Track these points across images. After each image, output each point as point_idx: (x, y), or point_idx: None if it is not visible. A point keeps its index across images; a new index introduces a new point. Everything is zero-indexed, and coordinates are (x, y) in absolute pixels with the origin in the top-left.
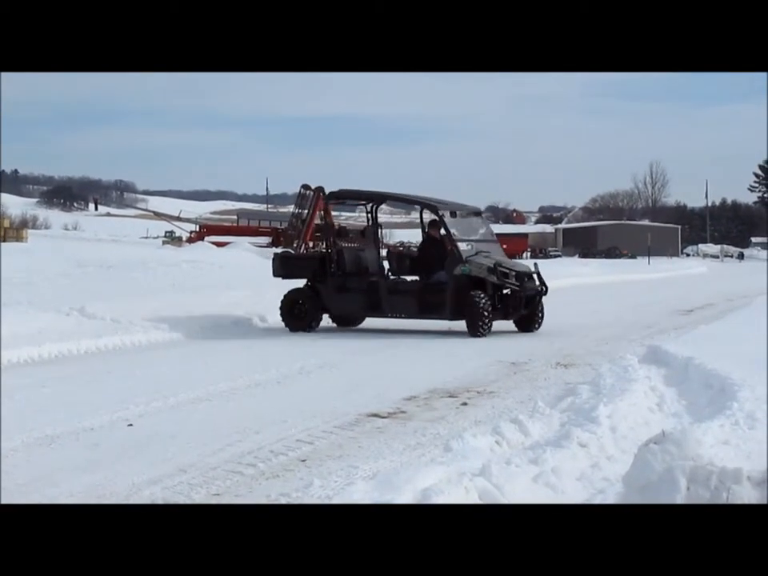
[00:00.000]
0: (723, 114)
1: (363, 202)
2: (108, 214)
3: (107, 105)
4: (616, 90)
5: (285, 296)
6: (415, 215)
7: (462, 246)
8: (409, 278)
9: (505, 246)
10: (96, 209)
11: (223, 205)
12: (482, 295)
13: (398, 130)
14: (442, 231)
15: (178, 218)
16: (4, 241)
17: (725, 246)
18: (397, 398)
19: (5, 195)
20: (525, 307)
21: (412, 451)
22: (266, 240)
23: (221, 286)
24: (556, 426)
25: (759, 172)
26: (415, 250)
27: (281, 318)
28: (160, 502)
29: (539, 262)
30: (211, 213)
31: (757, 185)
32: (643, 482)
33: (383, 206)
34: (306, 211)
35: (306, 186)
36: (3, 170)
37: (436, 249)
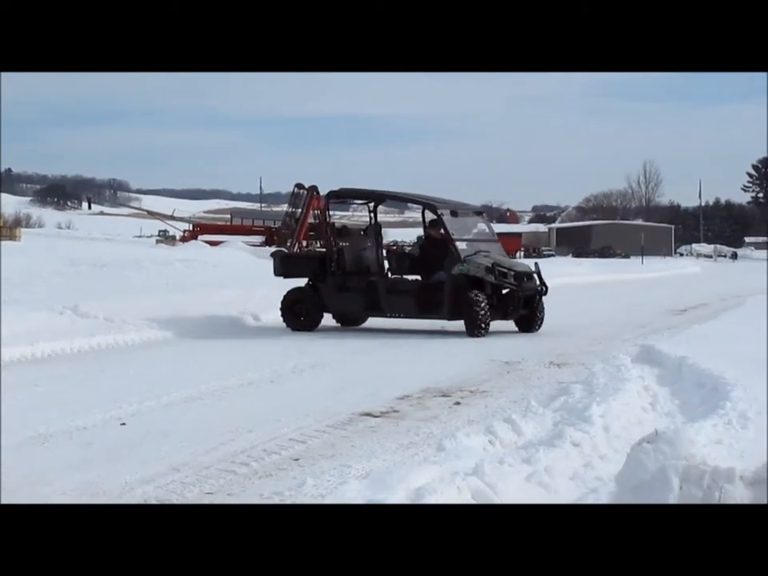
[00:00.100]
0: (717, 115)
1: (364, 201)
2: (101, 213)
3: (102, 104)
4: (611, 89)
5: (285, 295)
6: (409, 214)
7: (460, 245)
8: (408, 278)
9: None
10: (89, 207)
11: (217, 204)
12: (480, 295)
13: (397, 129)
14: (442, 231)
15: (172, 217)
16: None
17: (718, 245)
18: (390, 398)
19: None
20: (524, 307)
21: (405, 450)
22: (259, 239)
23: (214, 284)
24: (549, 426)
25: (752, 172)
26: (409, 249)
27: (281, 318)
28: (153, 500)
29: (529, 261)
30: (205, 212)
31: (750, 185)
32: (636, 481)
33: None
34: (300, 210)
35: (299, 185)
36: None
37: (436, 248)
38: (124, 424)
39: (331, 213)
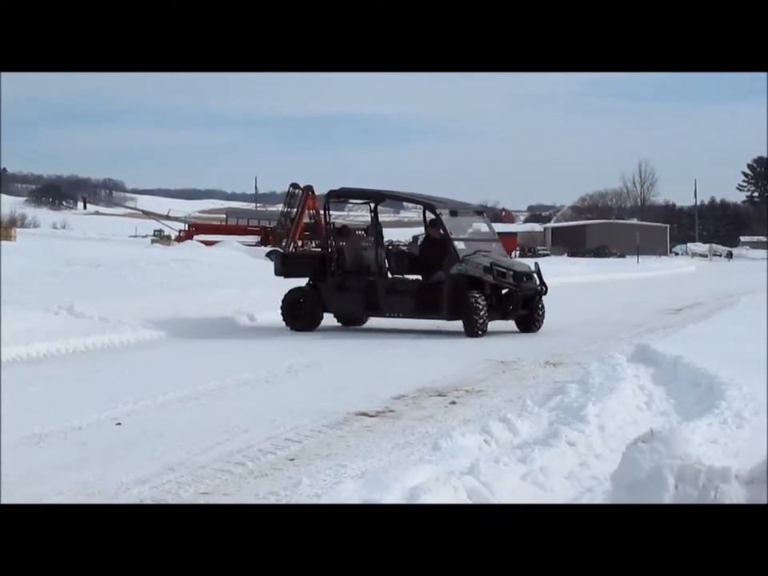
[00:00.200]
0: (712, 114)
1: (364, 201)
2: (97, 213)
3: (97, 104)
4: (606, 89)
5: (285, 295)
6: (404, 214)
7: (459, 245)
8: (407, 278)
9: None
10: (85, 207)
11: (212, 204)
12: (478, 295)
13: (395, 129)
14: (441, 231)
15: (167, 217)
16: None
17: (713, 245)
18: (385, 397)
19: None
20: (524, 307)
21: (400, 450)
22: (254, 239)
23: (210, 284)
24: (544, 425)
25: (748, 171)
26: (406, 248)
27: (282, 318)
28: (148, 500)
29: (527, 260)
30: (200, 212)
31: (745, 184)
32: (631, 480)
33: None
34: (295, 210)
35: (294, 185)
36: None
37: (435, 248)
38: (119, 424)
39: (319, 211)
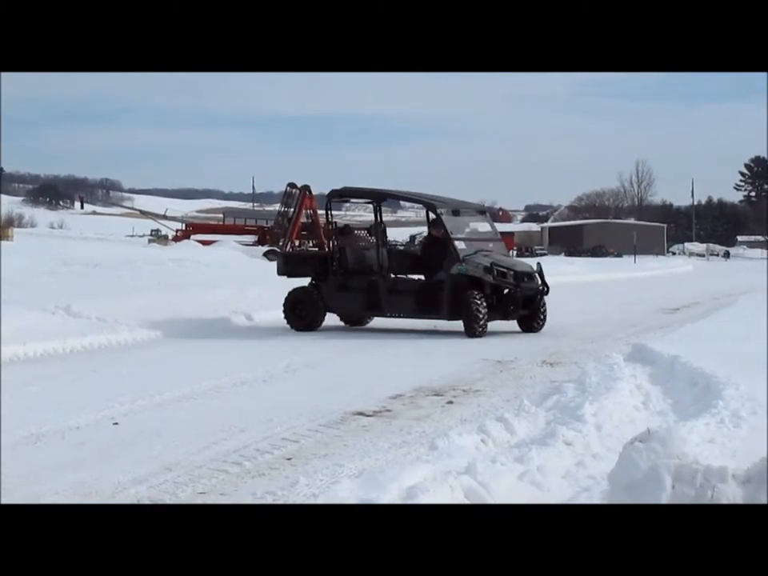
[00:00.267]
0: (709, 114)
1: (366, 200)
2: (94, 213)
3: (94, 104)
4: (603, 89)
5: (288, 295)
6: (402, 213)
7: (460, 245)
8: (408, 278)
9: None
10: (82, 207)
11: (209, 203)
12: (478, 295)
13: (393, 129)
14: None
15: (164, 217)
16: None
17: (710, 244)
18: (382, 397)
19: None
20: (525, 307)
21: (398, 449)
22: (252, 238)
23: (207, 284)
24: (541, 425)
25: (745, 171)
26: (403, 247)
27: (284, 317)
28: (146, 500)
29: (528, 260)
30: (197, 211)
31: (742, 184)
32: (628, 480)
33: (368, 205)
34: (292, 210)
35: (292, 185)
36: None
37: (437, 248)
38: (116, 424)
39: (322, 213)
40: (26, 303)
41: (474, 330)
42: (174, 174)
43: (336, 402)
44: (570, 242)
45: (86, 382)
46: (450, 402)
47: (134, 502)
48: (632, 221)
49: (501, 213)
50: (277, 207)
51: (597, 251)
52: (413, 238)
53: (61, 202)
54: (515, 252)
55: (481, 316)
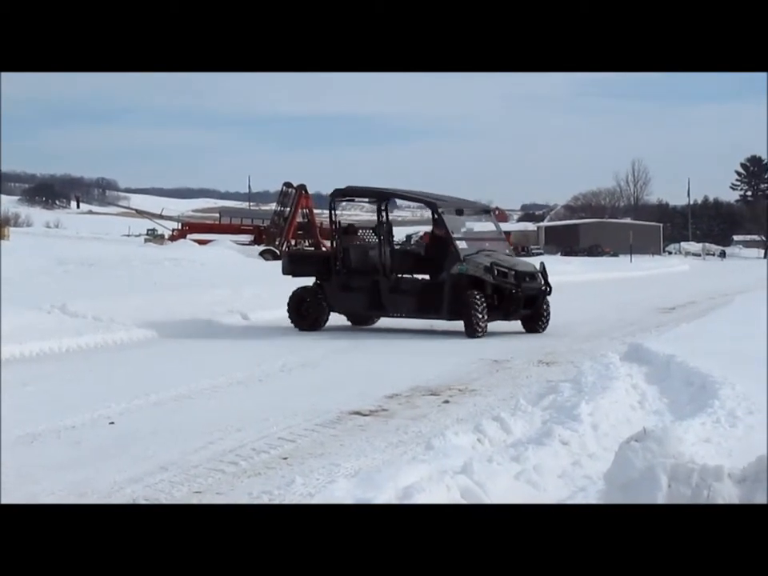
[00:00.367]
0: (706, 113)
1: (369, 200)
2: (90, 212)
3: (91, 103)
4: (600, 88)
5: (292, 294)
6: (398, 213)
7: (461, 244)
8: (411, 277)
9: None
10: (78, 206)
11: (205, 203)
12: (478, 295)
13: (389, 129)
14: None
15: (160, 216)
16: None
17: (707, 244)
18: (379, 396)
19: None
20: (527, 307)
21: (394, 449)
22: (248, 238)
23: (203, 283)
24: (538, 424)
25: (741, 170)
26: (411, 248)
27: (288, 317)
28: (141, 499)
29: (532, 259)
30: (193, 210)
31: (739, 183)
32: (624, 479)
33: (365, 204)
34: (288, 209)
35: (288, 184)
36: None
37: (440, 248)
38: (113, 423)
39: (316, 211)
40: (21, 303)
41: (473, 330)
42: (170, 173)
43: (332, 402)
44: (566, 241)
45: (81, 381)
46: (447, 402)
47: (130, 501)
48: (628, 220)
49: (497, 212)
50: (273, 207)
51: (593, 251)
52: (409, 237)
53: (57, 202)
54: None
55: (480, 316)
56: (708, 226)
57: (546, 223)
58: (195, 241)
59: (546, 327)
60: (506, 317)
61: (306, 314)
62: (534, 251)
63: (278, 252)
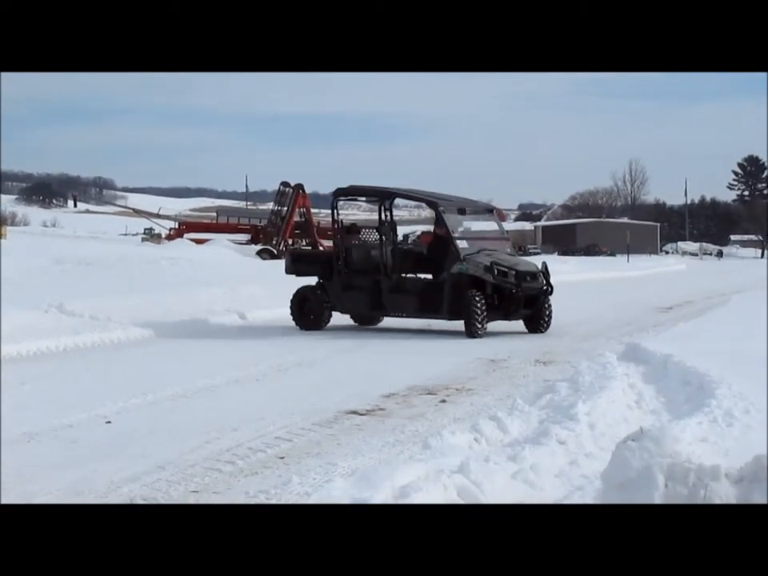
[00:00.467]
0: (703, 113)
1: (372, 199)
2: (87, 211)
3: (88, 102)
4: (597, 87)
5: (294, 294)
6: (396, 212)
7: (462, 243)
8: (412, 277)
9: None
10: (75, 206)
11: (202, 202)
12: (478, 295)
13: (386, 128)
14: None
15: (158, 215)
16: None
17: (704, 243)
18: (376, 396)
19: None
20: (528, 307)
21: (391, 448)
22: (245, 237)
23: (200, 283)
24: (535, 424)
25: (738, 170)
26: (408, 247)
27: (290, 316)
28: (138, 498)
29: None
30: (190, 210)
31: (736, 183)
32: (621, 479)
33: (362, 203)
34: (286, 208)
35: (285, 184)
36: None
37: (441, 247)
38: (109, 422)
39: (313, 210)
40: (19, 302)
41: (473, 330)
42: (167, 172)
43: (329, 401)
44: (563, 241)
45: (78, 380)
46: (444, 401)
47: (127, 500)
48: (625, 220)
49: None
50: (270, 206)
51: (590, 250)
52: (406, 237)
53: (54, 201)
54: None
55: (480, 316)
56: (705, 225)
57: (543, 223)
58: (192, 240)
59: (548, 327)
60: (507, 317)
61: (308, 313)
62: (531, 251)
63: (275, 251)
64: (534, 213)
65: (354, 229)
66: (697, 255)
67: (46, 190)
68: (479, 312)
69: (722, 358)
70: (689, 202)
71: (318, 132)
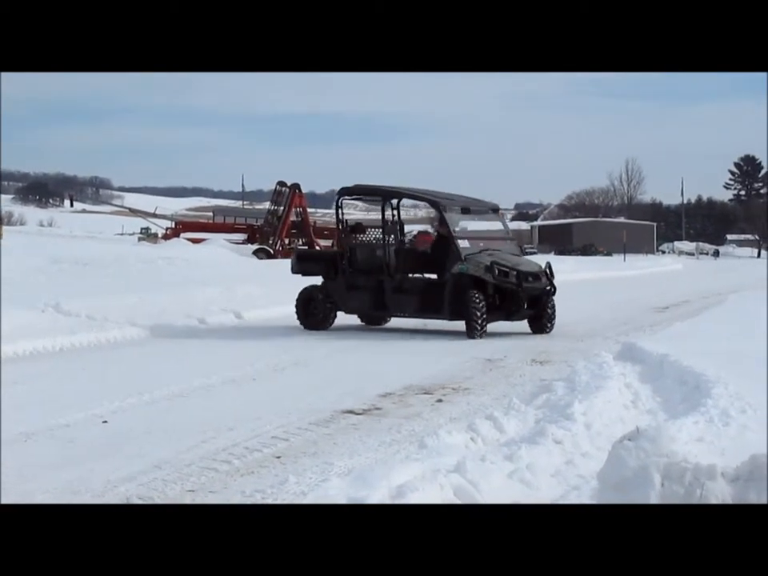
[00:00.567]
0: (700, 112)
1: (377, 198)
2: (83, 211)
3: (85, 102)
4: (594, 87)
5: (299, 294)
6: (393, 212)
7: (463, 243)
8: (416, 277)
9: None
10: (71, 205)
11: (199, 201)
12: (478, 295)
13: (384, 127)
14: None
15: (154, 215)
16: None
17: (700, 243)
18: (372, 395)
19: None
20: (531, 307)
21: (387, 448)
22: (241, 237)
23: (196, 282)
24: (531, 423)
25: (735, 170)
26: (412, 247)
27: (296, 317)
28: (135, 498)
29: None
30: (187, 209)
31: (732, 182)
32: (618, 478)
33: (359, 203)
34: (282, 208)
35: (281, 183)
36: None
37: (445, 247)
38: (106, 422)
39: (310, 210)
40: (15, 301)
41: (473, 331)
42: (163, 172)
43: (326, 401)
44: (559, 240)
45: (75, 380)
46: (440, 401)
47: (124, 499)
48: (622, 219)
49: None
50: (266, 205)
51: (586, 250)
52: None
53: (50, 200)
54: None
55: (479, 317)
56: (701, 225)
57: (539, 222)
58: (189, 239)
59: (552, 327)
60: (509, 317)
61: (313, 313)
62: (527, 251)
63: (271, 251)
64: (530, 212)
65: (359, 228)
66: (693, 255)
67: (43, 190)
68: (479, 312)
69: (718, 358)
70: (685, 201)
71: (317, 132)
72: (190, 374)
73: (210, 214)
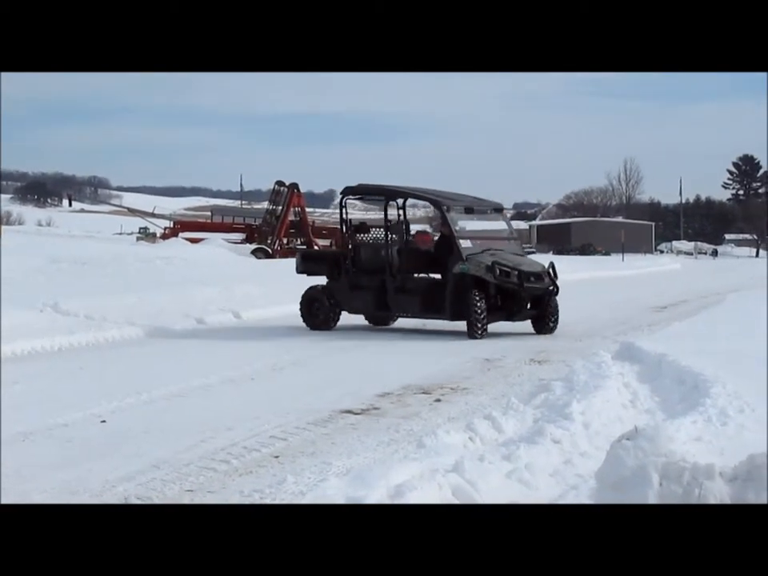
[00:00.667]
0: (698, 112)
1: (380, 198)
2: (82, 210)
3: (87, 102)
4: (592, 87)
5: (303, 294)
6: (392, 212)
7: (465, 243)
8: (418, 277)
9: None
10: (70, 205)
11: (197, 201)
12: (478, 296)
13: (381, 127)
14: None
15: (152, 215)
16: None
17: (698, 242)
18: (370, 395)
19: None
20: (533, 307)
21: (385, 448)
22: (240, 236)
23: (195, 282)
24: (529, 423)
25: (733, 169)
26: (415, 247)
27: (300, 317)
28: (133, 498)
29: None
30: (185, 209)
31: (730, 182)
32: (616, 478)
33: (357, 203)
34: (280, 208)
35: (280, 183)
36: None
37: (447, 247)
38: (104, 421)
39: (308, 210)
40: (14, 301)
41: (473, 331)
42: (162, 171)
43: (324, 400)
44: (558, 240)
45: (73, 379)
46: (438, 400)
47: (122, 499)
48: (620, 219)
49: None
50: (265, 205)
51: (585, 249)
52: None
53: (49, 200)
54: None
55: (480, 317)
56: (700, 224)
57: (538, 222)
58: (187, 239)
59: (555, 328)
60: (510, 317)
61: (317, 313)
62: (526, 250)
63: (269, 251)
64: (528, 212)
65: (363, 228)
66: (692, 254)
67: (41, 189)
68: (479, 313)
69: (716, 357)
70: (684, 201)
71: (317, 132)
72: (189, 374)
73: (209, 213)
